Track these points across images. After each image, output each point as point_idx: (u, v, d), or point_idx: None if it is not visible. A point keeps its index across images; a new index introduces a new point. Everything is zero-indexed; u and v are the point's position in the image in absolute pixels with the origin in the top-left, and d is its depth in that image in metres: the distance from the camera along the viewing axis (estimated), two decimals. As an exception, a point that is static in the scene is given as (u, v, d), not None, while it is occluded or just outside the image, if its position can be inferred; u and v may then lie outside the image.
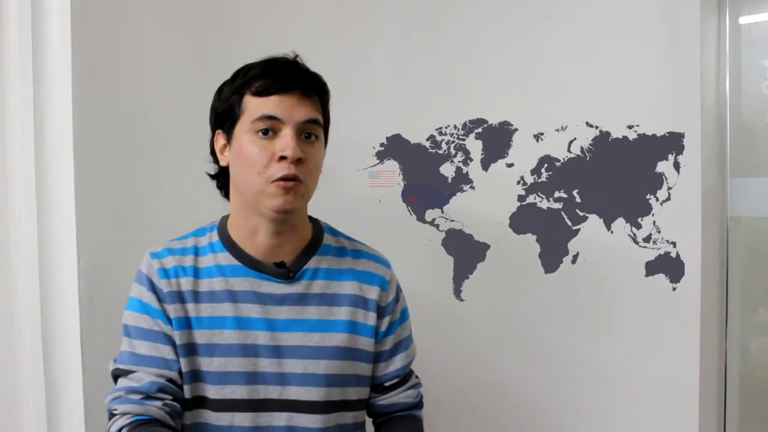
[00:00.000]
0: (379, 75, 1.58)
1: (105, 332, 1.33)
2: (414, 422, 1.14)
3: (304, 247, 1.07)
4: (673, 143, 1.40)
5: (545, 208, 1.50)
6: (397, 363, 1.12)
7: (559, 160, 1.48)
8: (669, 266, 1.42)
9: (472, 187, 1.54)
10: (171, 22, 1.48)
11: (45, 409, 1.29)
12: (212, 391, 1.01)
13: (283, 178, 0.96)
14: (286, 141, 0.96)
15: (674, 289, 1.41)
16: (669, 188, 1.41)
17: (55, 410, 1.30)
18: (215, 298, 1.03)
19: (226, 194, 1.09)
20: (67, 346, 1.30)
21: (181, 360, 1.01)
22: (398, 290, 1.14)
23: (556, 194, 1.49)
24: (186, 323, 1.02)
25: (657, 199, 1.42)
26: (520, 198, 1.51)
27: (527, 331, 1.52)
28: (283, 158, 0.96)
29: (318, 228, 1.11)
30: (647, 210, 1.43)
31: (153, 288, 1.03)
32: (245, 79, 1.00)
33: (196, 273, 1.04)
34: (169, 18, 1.48)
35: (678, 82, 1.39)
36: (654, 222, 1.43)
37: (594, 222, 1.47)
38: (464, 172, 1.54)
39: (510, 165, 1.51)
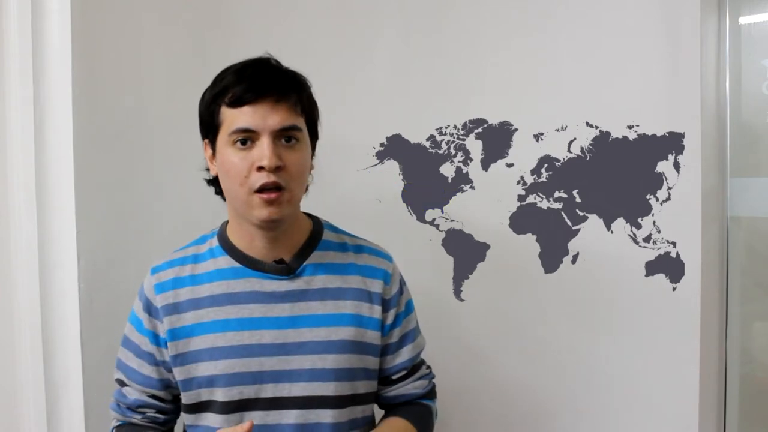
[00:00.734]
0: (379, 75, 1.58)
1: (105, 332, 1.33)
2: (419, 408, 1.14)
3: (303, 244, 1.07)
4: (673, 143, 1.40)
5: (545, 208, 1.50)
6: (404, 355, 1.12)
7: (559, 160, 1.48)
8: (669, 266, 1.42)
9: (472, 187, 1.54)
10: (171, 22, 1.48)
11: (45, 409, 1.29)
12: (220, 394, 1.02)
13: (264, 187, 0.96)
14: (262, 151, 0.96)
15: (674, 289, 1.41)
16: (669, 188, 1.41)
17: (55, 410, 1.30)
18: (216, 302, 1.04)
19: (224, 198, 1.10)
20: (67, 346, 1.30)
21: (176, 370, 1.04)
22: (402, 283, 1.14)
23: (556, 194, 1.49)
24: (183, 332, 1.04)
25: (657, 199, 1.42)
26: (520, 198, 1.51)
27: (527, 331, 1.52)
28: (261, 168, 0.96)
29: (317, 225, 1.12)
30: (647, 210, 1.43)
31: (148, 307, 1.07)
32: (219, 88, 1.00)
33: (195, 280, 1.06)
34: (169, 18, 1.48)
35: (678, 82, 1.39)
36: (654, 222, 1.43)
37: (594, 222, 1.47)
38: (464, 172, 1.54)
39: (510, 165, 1.51)
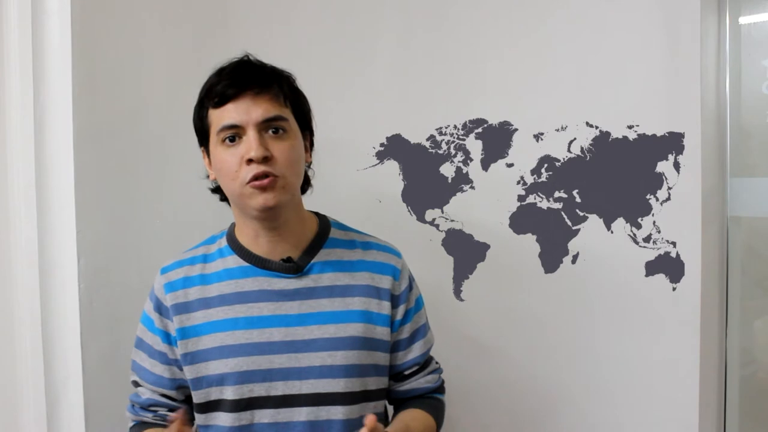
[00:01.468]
0: (379, 75, 1.58)
1: (105, 332, 1.33)
2: (433, 401, 1.15)
3: (310, 242, 1.08)
4: (673, 143, 1.40)
5: (545, 208, 1.50)
6: (415, 351, 1.13)
7: (559, 160, 1.48)
8: (669, 266, 1.42)
9: (472, 187, 1.54)
10: (171, 22, 1.48)
11: (45, 409, 1.29)
12: (230, 392, 1.02)
13: (255, 177, 0.97)
14: (249, 143, 0.97)
15: (674, 289, 1.41)
16: (669, 188, 1.41)
17: (55, 410, 1.30)
18: (225, 301, 1.05)
19: (229, 205, 1.11)
20: (67, 346, 1.30)
21: (186, 369, 1.05)
22: (411, 279, 1.15)
23: (556, 194, 1.49)
24: (193, 331, 1.05)
25: (657, 199, 1.42)
26: (520, 198, 1.51)
27: (527, 331, 1.52)
28: (250, 161, 0.97)
29: (324, 223, 1.12)
30: (647, 210, 1.43)
31: (159, 306, 1.08)
32: (204, 92, 1.03)
33: (204, 280, 1.07)
34: (169, 18, 1.48)
35: (678, 82, 1.39)
36: (654, 222, 1.43)
37: (594, 222, 1.47)
38: (464, 172, 1.54)
39: (510, 165, 1.51)
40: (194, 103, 1.07)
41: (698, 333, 1.39)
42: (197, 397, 1.05)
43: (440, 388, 1.19)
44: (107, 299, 1.34)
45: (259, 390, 1.02)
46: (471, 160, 1.54)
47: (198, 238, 1.16)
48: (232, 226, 1.11)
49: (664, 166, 1.41)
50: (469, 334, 1.55)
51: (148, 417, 1.10)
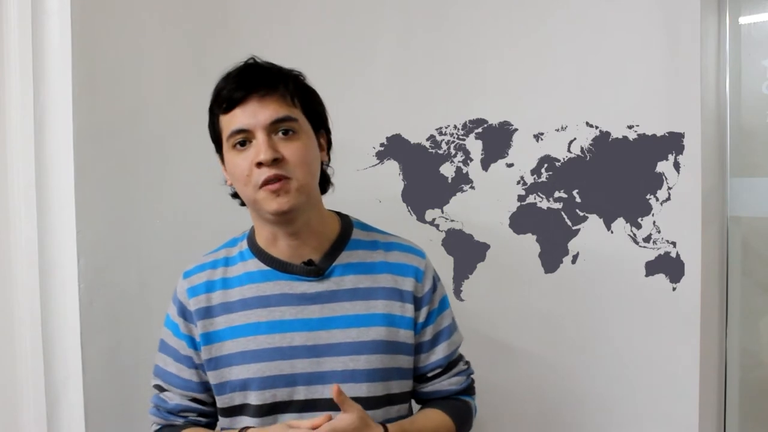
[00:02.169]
0: (379, 75, 1.58)
1: (105, 332, 1.33)
2: (456, 402, 1.12)
3: (332, 244, 1.06)
4: (673, 143, 1.40)
5: (545, 208, 1.50)
6: (439, 353, 1.10)
7: (559, 160, 1.48)
8: (669, 266, 1.42)
9: (472, 187, 1.54)
10: (171, 22, 1.48)
11: (45, 409, 1.29)
12: (253, 397, 1.02)
13: (267, 181, 0.96)
14: (258, 147, 0.96)
15: (674, 289, 1.41)
16: (669, 188, 1.41)
17: (55, 410, 1.30)
18: (247, 305, 1.04)
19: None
20: (67, 346, 1.30)
21: (209, 374, 1.05)
22: (435, 279, 1.12)
23: (556, 194, 1.49)
24: (216, 337, 1.04)
25: (657, 199, 1.42)
26: (520, 198, 1.51)
27: (527, 332, 1.52)
28: (260, 164, 0.96)
29: (347, 224, 1.10)
30: (647, 210, 1.43)
31: (183, 311, 1.07)
32: (212, 98, 1.02)
33: (226, 284, 1.06)
34: (169, 18, 1.48)
35: (678, 82, 1.39)
36: (654, 222, 1.43)
37: (594, 222, 1.47)
38: (464, 172, 1.54)
39: (510, 165, 1.51)
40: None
41: (698, 333, 1.39)
42: (221, 402, 1.05)
43: (467, 390, 1.16)
44: (107, 299, 1.33)
45: (281, 395, 1.01)
46: (471, 160, 1.54)
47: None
48: (252, 229, 1.09)
49: (664, 166, 1.41)
50: (469, 334, 1.55)
51: (178, 422, 1.08)
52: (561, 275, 1.49)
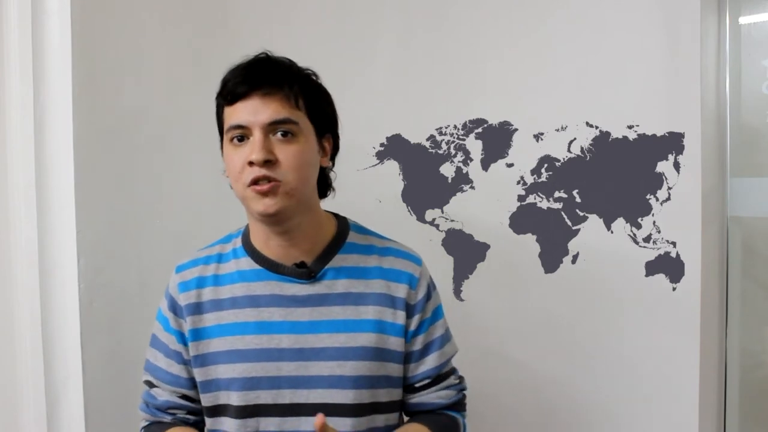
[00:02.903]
0: (379, 75, 1.58)
1: (105, 332, 1.33)
2: (442, 418, 1.09)
3: (326, 246, 1.04)
4: (673, 143, 1.40)
5: (545, 208, 1.50)
6: (428, 363, 1.07)
7: (559, 160, 1.48)
8: (669, 266, 1.42)
9: (472, 187, 1.54)
10: (171, 22, 1.48)
11: (45, 409, 1.29)
12: (236, 398, 1.00)
13: (255, 181, 0.94)
14: (252, 145, 0.94)
15: (674, 289, 1.41)
16: (669, 188, 1.41)
17: (55, 410, 1.30)
18: (236, 304, 1.03)
19: None
20: (67, 346, 1.30)
21: (196, 371, 1.04)
22: (430, 288, 1.09)
23: (556, 194, 1.49)
24: (204, 333, 1.03)
25: (657, 199, 1.42)
26: (520, 198, 1.51)
27: (527, 331, 1.52)
28: (252, 163, 0.94)
29: (343, 226, 1.09)
30: (647, 210, 1.43)
31: (173, 306, 1.06)
32: (220, 88, 1.00)
33: (218, 281, 1.05)
34: (169, 18, 1.48)
35: (678, 82, 1.39)
36: (654, 222, 1.43)
37: (594, 222, 1.47)
38: (464, 172, 1.54)
39: (510, 165, 1.51)
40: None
41: (698, 333, 1.39)
42: (205, 400, 1.04)
43: (456, 405, 1.11)
44: (107, 299, 1.34)
45: (265, 397, 0.99)
46: (471, 160, 1.54)
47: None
48: (248, 226, 1.08)
49: (664, 166, 1.41)
50: (469, 334, 1.55)
51: (166, 419, 1.07)
52: (561, 275, 1.49)
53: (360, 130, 1.55)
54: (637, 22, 1.41)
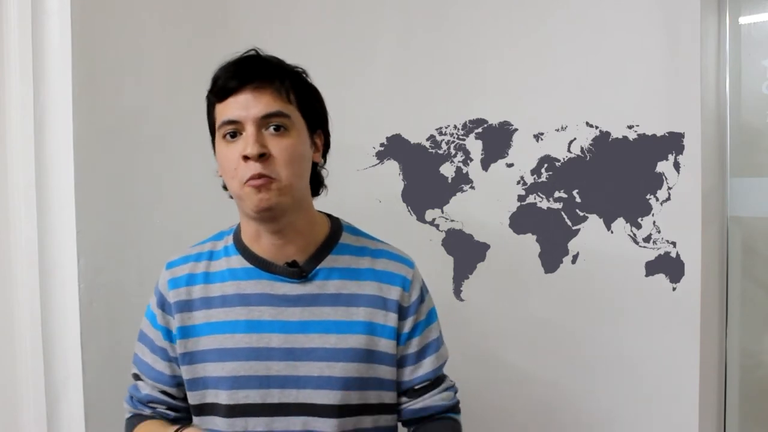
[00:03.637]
0: (379, 75, 1.58)
1: (105, 332, 1.33)
2: (448, 422, 1.09)
3: (318, 246, 1.04)
4: (673, 143, 1.40)
5: (545, 208, 1.50)
6: (426, 366, 1.06)
7: (559, 160, 1.48)
8: (669, 266, 1.42)
9: (472, 187, 1.54)
10: (171, 22, 1.48)
11: (45, 409, 1.29)
12: (225, 397, 1.00)
13: (251, 178, 0.94)
14: (246, 140, 0.94)
15: (674, 289, 1.41)
16: (669, 188, 1.41)
17: (55, 410, 1.30)
18: (227, 302, 1.02)
19: None
20: (67, 346, 1.30)
21: (183, 368, 1.03)
22: (423, 290, 1.09)
23: (556, 194, 1.49)
24: (193, 331, 1.03)
25: (657, 199, 1.42)
26: (520, 198, 1.51)
27: (527, 331, 1.52)
28: (246, 158, 0.94)
29: (336, 227, 1.08)
30: (647, 210, 1.43)
31: (162, 302, 1.06)
32: (211, 85, 1.00)
33: (208, 278, 1.05)
34: (169, 18, 1.48)
35: (678, 82, 1.39)
36: (654, 222, 1.43)
37: (594, 222, 1.47)
38: (464, 172, 1.54)
39: (510, 165, 1.51)
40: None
41: (698, 333, 1.39)
42: (192, 398, 1.03)
43: (456, 407, 1.12)
44: (107, 299, 1.34)
45: (254, 396, 0.99)
46: (471, 160, 1.54)
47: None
48: (240, 224, 1.07)
49: (664, 166, 1.41)
50: (469, 335, 1.55)
51: (146, 412, 1.08)
52: (561, 275, 1.49)
53: (360, 130, 1.56)
54: (637, 22, 1.41)
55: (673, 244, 1.42)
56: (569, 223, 1.49)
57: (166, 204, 1.46)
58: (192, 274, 1.05)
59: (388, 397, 1.06)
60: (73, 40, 1.27)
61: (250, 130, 0.94)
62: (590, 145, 1.46)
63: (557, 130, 1.48)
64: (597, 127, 1.45)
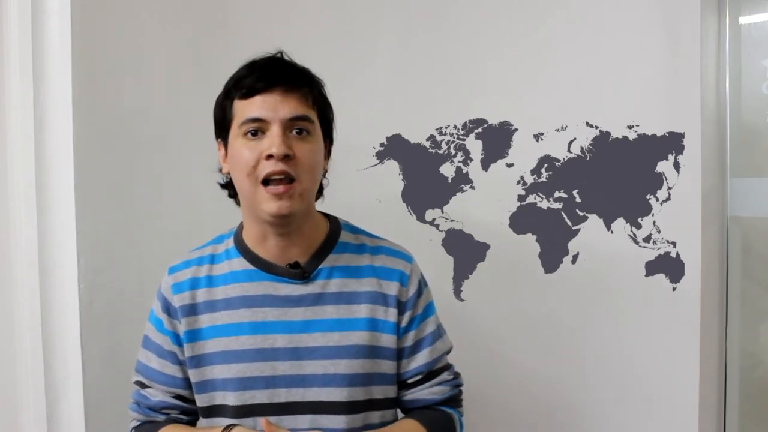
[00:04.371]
0: (380, 75, 1.58)
1: (105, 332, 1.33)
2: (436, 413, 1.09)
3: (319, 246, 1.05)
4: (673, 143, 1.40)
5: (545, 208, 1.50)
6: (419, 360, 1.07)
7: (559, 160, 1.48)
8: (669, 266, 1.42)
9: (472, 187, 1.54)
10: (171, 22, 1.48)
11: (45, 410, 1.29)
12: (232, 398, 1.01)
13: (271, 176, 0.95)
14: (272, 139, 0.95)
15: (674, 289, 1.41)
16: (669, 188, 1.41)
17: (55, 410, 1.30)
18: (230, 305, 1.03)
19: (238, 203, 1.08)
20: (67, 346, 1.30)
21: (191, 372, 1.04)
22: (421, 285, 1.10)
23: (556, 194, 1.49)
24: (199, 335, 1.04)
25: (657, 199, 1.42)
26: (520, 198, 1.51)
27: (527, 331, 1.52)
28: (270, 156, 0.94)
29: (335, 226, 1.09)
30: (647, 210, 1.43)
31: (167, 306, 1.06)
32: (232, 83, 1.00)
33: (211, 282, 1.05)
34: (169, 18, 1.48)
35: (678, 82, 1.39)
36: (654, 222, 1.43)
37: (594, 222, 1.47)
38: (464, 172, 1.54)
39: (510, 165, 1.51)
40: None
41: (698, 333, 1.39)
42: (200, 400, 1.04)
43: (450, 401, 1.11)
44: (107, 299, 1.34)
45: (261, 397, 1.00)
46: (471, 160, 1.54)
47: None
48: (240, 226, 1.08)
49: (664, 166, 1.41)
50: (469, 334, 1.55)
51: (159, 418, 1.07)
52: (561, 275, 1.49)
53: (360, 130, 1.55)
54: (637, 22, 1.41)
55: (673, 244, 1.42)
56: (569, 223, 1.49)
57: (166, 204, 1.46)
58: (195, 278, 1.06)
59: (392, 391, 1.07)
60: (73, 40, 1.27)
61: (276, 130, 0.95)
62: (590, 145, 1.46)
63: (557, 130, 1.48)
64: (597, 127, 1.45)
